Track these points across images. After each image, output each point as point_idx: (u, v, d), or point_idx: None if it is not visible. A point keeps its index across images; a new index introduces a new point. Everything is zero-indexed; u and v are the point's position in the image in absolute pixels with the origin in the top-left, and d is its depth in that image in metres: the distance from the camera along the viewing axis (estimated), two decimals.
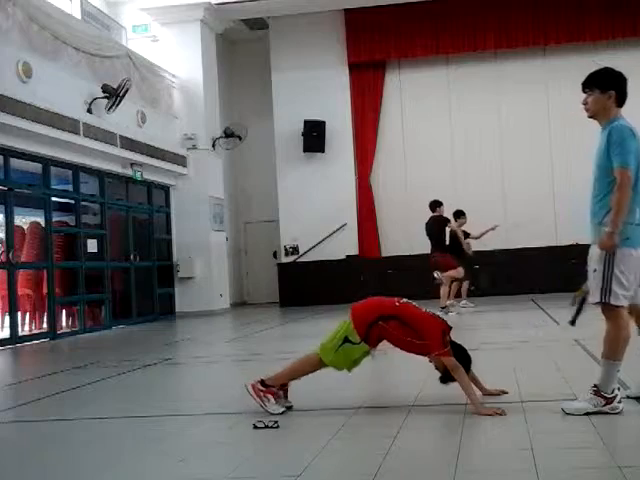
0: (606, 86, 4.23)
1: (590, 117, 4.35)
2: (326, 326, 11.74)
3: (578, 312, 4.22)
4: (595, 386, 4.13)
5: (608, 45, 17.08)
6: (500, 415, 4.20)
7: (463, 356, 4.57)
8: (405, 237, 17.29)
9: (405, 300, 4.68)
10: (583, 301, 4.18)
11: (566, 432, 3.85)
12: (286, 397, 4.71)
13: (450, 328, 4.59)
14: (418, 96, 17.85)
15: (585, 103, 4.32)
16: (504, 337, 8.48)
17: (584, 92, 4.33)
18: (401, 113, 18.01)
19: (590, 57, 17.16)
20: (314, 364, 4.70)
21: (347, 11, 17.63)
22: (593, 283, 4.14)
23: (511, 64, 17.59)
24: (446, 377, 4.54)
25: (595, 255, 4.18)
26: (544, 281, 15.97)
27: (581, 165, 17.01)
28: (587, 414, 4.07)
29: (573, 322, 4.27)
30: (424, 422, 4.30)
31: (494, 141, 17.57)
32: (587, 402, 4.11)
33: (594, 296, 4.13)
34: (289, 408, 4.67)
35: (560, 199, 17.13)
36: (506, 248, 16.76)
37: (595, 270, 4.15)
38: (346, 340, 4.57)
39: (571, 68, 17.24)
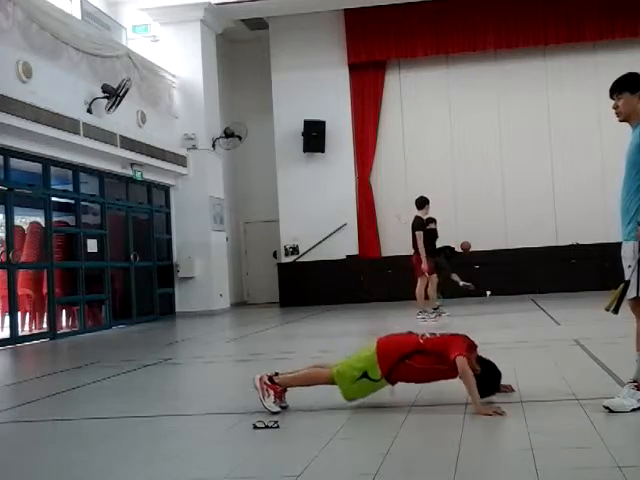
0: (636, 88, 4.32)
1: (622, 120, 4.39)
2: (326, 327, 11.76)
3: (620, 301, 4.24)
4: (635, 381, 4.18)
5: (608, 45, 17.08)
6: (500, 415, 4.21)
7: (492, 374, 4.58)
8: (405, 237, 17.26)
9: (430, 334, 4.70)
10: (624, 291, 4.20)
11: (566, 432, 3.86)
12: (283, 398, 4.74)
13: (476, 347, 4.62)
14: (418, 96, 17.84)
15: (616, 107, 4.38)
16: (504, 337, 8.48)
17: (612, 98, 4.41)
18: (401, 113, 18.00)
19: (590, 57, 17.24)
20: (325, 380, 4.73)
21: (347, 11, 17.62)
22: (630, 279, 4.18)
23: (511, 64, 17.59)
24: (484, 390, 4.50)
25: (629, 251, 4.20)
26: (544, 281, 15.99)
27: (581, 165, 17.11)
28: (633, 410, 4.10)
29: (616, 310, 4.28)
30: (424, 422, 4.30)
31: (494, 141, 17.57)
32: (631, 397, 4.15)
33: (632, 291, 4.18)
34: (284, 408, 4.69)
35: (560, 199, 17.14)
36: (506, 248, 16.78)
37: (630, 266, 4.18)
38: (364, 375, 4.58)
39: (571, 68, 17.30)
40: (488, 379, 4.56)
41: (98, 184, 13.68)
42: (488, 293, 12.71)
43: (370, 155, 17.95)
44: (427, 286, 11.73)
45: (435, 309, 11.59)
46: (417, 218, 11.77)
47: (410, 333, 4.84)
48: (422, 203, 11.80)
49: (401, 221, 12.94)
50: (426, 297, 11.73)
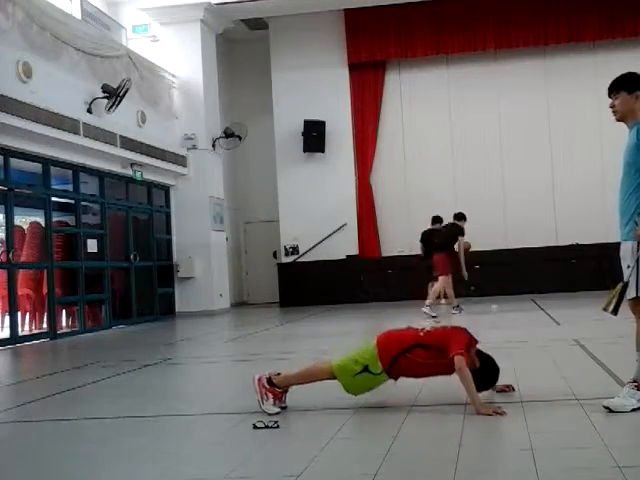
0: (633, 88, 4.34)
1: (618, 120, 4.42)
2: (326, 327, 11.76)
3: (619, 302, 4.24)
4: (635, 381, 4.19)
5: (608, 45, 17.08)
6: (500, 415, 4.21)
7: (490, 369, 4.61)
8: (405, 237, 17.29)
9: (429, 328, 4.72)
10: (623, 292, 4.21)
11: (566, 432, 3.86)
12: (283, 399, 4.73)
13: (477, 342, 4.64)
14: (418, 96, 17.84)
15: (612, 106, 4.41)
16: (504, 337, 8.48)
17: (610, 97, 4.44)
18: (401, 113, 18.00)
19: (590, 57, 17.24)
20: (326, 375, 4.72)
21: (347, 11, 17.62)
22: (630, 279, 4.18)
23: (511, 64, 17.58)
24: (481, 384, 4.53)
25: (627, 251, 4.20)
26: (544, 281, 15.99)
27: (581, 165, 17.10)
28: (633, 410, 4.11)
29: (615, 311, 4.28)
30: (424, 422, 4.30)
31: (494, 141, 17.56)
32: (631, 397, 4.15)
33: (631, 292, 4.18)
34: (283, 408, 4.68)
35: (560, 199, 17.14)
36: (506, 248, 16.78)
37: (629, 266, 4.19)
38: (365, 369, 4.57)
39: (571, 68, 17.30)
40: (486, 373, 4.59)
41: (98, 184, 13.68)
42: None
43: (370, 155, 17.94)
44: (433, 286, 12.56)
45: (456, 306, 12.36)
46: (457, 226, 12.76)
47: (409, 328, 4.85)
48: (461, 217, 12.92)
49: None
50: (445, 296, 12.83)
